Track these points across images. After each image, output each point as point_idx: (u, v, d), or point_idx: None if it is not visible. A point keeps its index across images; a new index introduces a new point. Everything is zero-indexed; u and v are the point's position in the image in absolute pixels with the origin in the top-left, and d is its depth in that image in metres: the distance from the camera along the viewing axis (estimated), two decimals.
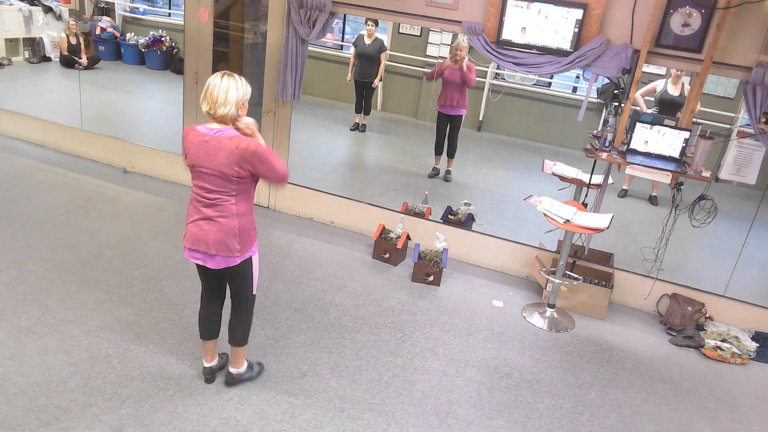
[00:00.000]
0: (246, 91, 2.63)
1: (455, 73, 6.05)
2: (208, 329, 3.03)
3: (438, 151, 6.43)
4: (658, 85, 5.89)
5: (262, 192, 5.40)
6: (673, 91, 5.77)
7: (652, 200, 6.26)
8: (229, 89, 2.55)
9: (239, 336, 3.03)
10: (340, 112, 7.56)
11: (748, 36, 3.71)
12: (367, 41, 7.10)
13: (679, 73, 5.73)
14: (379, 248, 4.72)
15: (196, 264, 2.83)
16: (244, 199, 2.72)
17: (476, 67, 7.89)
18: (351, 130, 7.62)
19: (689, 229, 4.30)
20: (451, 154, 6.41)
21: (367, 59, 7.16)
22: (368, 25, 7.06)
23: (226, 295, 3.05)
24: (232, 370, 3.11)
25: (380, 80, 7.47)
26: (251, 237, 2.81)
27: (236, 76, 2.61)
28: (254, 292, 2.98)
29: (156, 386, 3.04)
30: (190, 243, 2.76)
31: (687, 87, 5.79)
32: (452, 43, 8.20)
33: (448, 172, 6.46)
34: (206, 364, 3.10)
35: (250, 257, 2.84)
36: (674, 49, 3.86)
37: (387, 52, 7.36)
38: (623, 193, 6.32)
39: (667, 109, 5.72)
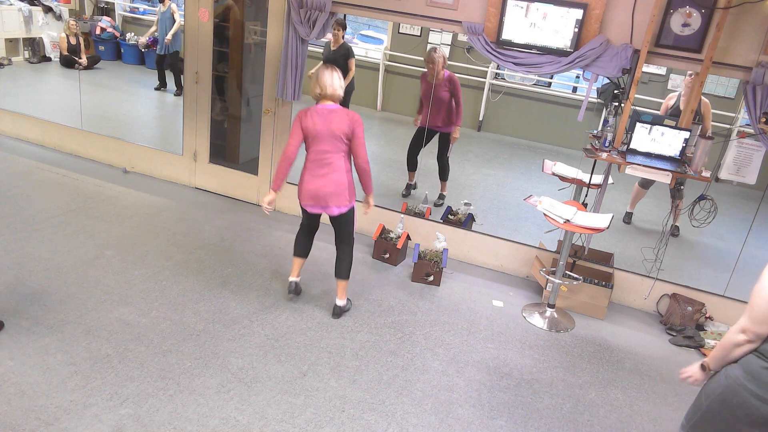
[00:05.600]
0: (340, 80, 3.59)
1: (439, 89, 5.41)
2: (301, 249, 3.93)
3: (411, 167, 5.77)
4: (671, 99, 5.58)
5: (262, 192, 5.41)
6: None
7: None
8: (334, 77, 3.54)
9: (344, 270, 3.80)
10: None
11: (748, 36, 3.71)
12: (333, 47, 6.54)
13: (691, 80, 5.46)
14: (379, 248, 4.72)
15: (304, 209, 3.73)
16: (349, 159, 3.62)
17: (476, 67, 7.91)
18: None
19: (689, 229, 4.30)
20: (443, 177, 5.77)
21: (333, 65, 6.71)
22: (334, 29, 6.44)
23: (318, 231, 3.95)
24: (338, 302, 3.85)
25: (351, 88, 6.73)
26: (354, 189, 3.68)
27: (336, 68, 3.59)
28: (353, 235, 3.81)
29: (156, 386, 3.04)
30: (310, 201, 3.63)
31: (704, 101, 5.41)
32: (451, 43, 8.20)
33: (441, 196, 5.80)
34: (291, 279, 3.96)
35: (353, 206, 3.71)
36: (674, 49, 3.86)
37: (354, 58, 6.64)
38: (628, 219, 5.93)
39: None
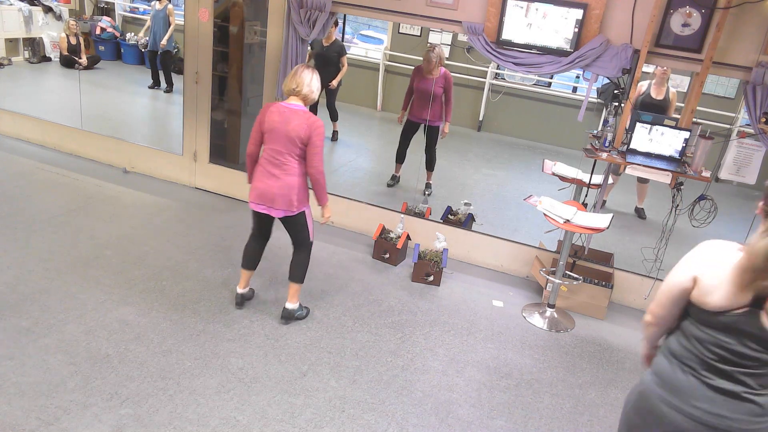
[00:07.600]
0: (319, 83, 3.46)
1: (434, 84, 5.54)
2: (250, 260, 3.74)
3: (399, 159, 5.99)
4: (642, 86, 5.64)
5: None
6: (657, 95, 5.55)
7: (639, 213, 6.01)
8: (313, 78, 3.41)
9: (298, 274, 3.67)
10: (341, 112, 7.54)
11: (748, 36, 3.71)
12: (325, 43, 6.60)
13: (664, 74, 5.51)
14: (379, 248, 4.72)
15: (254, 211, 3.56)
16: (303, 164, 3.46)
17: (476, 67, 7.91)
18: None
19: (689, 229, 4.30)
20: (430, 167, 5.97)
21: (324, 61, 6.61)
22: None
23: (270, 237, 3.77)
24: (288, 305, 3.69)
25: (339, 83, 6.88)
26: (306, 194, 3.53)
27: (317, 72, 3.45)
28: (311, 239, 3.68)
29: (156, 386, 3.04)
30: (257, 199, 3.47)
31: (672, 92, 5.62)
32: (451, 43, 8.20)
33: (428, 185, 6.03)
34: (239, 290, 3.79)
35: (305, 211, 3.55)
36: (674, 49, 3.86)
37: (347, 55, 6.79)
38: (641, 213, 5.98)
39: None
